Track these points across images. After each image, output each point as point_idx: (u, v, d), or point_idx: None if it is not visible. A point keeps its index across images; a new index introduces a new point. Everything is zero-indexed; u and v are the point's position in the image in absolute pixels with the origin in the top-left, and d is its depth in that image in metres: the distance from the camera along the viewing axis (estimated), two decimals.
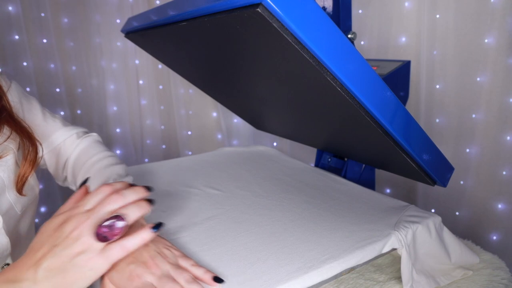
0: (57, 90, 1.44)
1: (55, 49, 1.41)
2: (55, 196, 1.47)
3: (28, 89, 1.36)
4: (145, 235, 0.37)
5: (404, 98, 0.86)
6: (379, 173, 0.86)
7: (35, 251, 0.37)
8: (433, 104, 1.29)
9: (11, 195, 0.51)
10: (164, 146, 1.74)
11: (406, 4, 1.31)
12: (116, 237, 0.36)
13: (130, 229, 0.39)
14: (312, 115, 0.64)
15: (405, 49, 1.34)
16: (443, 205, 1.33)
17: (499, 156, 1.15)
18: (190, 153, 1.77)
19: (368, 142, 0.59)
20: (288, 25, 0.37)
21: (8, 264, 0.51)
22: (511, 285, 0.54)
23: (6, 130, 0.52)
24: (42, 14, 1.36)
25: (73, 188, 0.64)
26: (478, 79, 1.17)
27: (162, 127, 1.73)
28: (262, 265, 0.45)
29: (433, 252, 0.54)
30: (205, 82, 0.89)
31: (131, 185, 0.41)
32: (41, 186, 1.43)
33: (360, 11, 1.43)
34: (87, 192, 0.43)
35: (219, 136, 1.80)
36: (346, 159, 0.83)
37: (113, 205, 0.38)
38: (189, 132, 1.78)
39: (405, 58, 1.32)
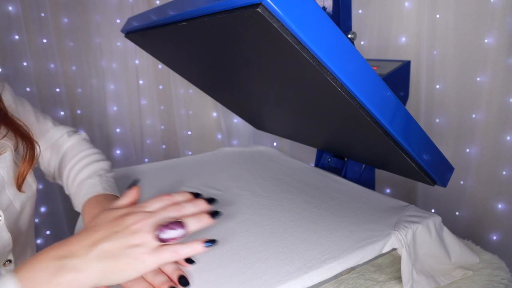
0: (57, 90, 1.44)
1: (55, 49, 1.41)
2: (54, 196, 1.47)
3: (28, 89, 1.36)
4: (198, 247, 0.39)
5: (404, 98, 0.86)
6: (379, 173, 0.86)
7: (92, 233, 0.38)
8: (433, 104, 1.29)
9: (10, 192, 0.52)
10: (164, 146, 1.74)
11: (406, 4, 1.31)
12: (173, 241, 0.38)
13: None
14: (312, 115, 0.64)
15: (405, 49, 1.34)
16: (443, 205, 1.33)
17: (499, 156, 1.15)
18: (190, 153, 1.77)
19: (368, 142, 0.59)
20: (288, 25, 0.37)
21: (10, 261, 0.52)
22: (511, 285, 0.54)
23: (3, 130, 0.53)
24: (42, 14, 1.36)
25: (60, 182, 0.67)
26: (478, 79, 1.17)
27: (162, 127, 1.73)
28: (262, 265, 0.45)
29: (433, 252, 0.54)
30: (205, 82, 0.89)
31: (194, 196, 0.44)
32: (40, 186, 1.43)
33: (360, 11, 1.43)
34: (138, 192, 0.46)
35: (219, 136, 1.80)
36: (346, 159, 0.83)
37: (174, 212, 0.40)
38: (189, 132, 1.78)
39: (405, 58, 1.32)
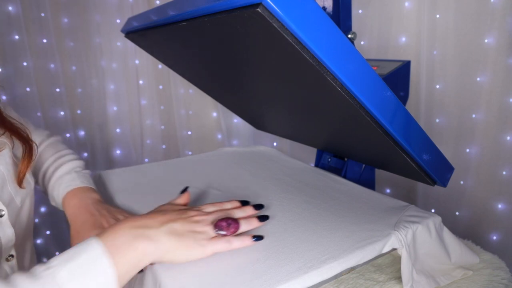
0: (57, 90, 1.44)
1: (55, 49, 1.41)
2: None
3: (28, 89, 1.36)
4: (247, 241, 0.47)
5: (404, 98, 0.86)
6: (379, 173, 0.86)
7: (162, 214, 0.45)
8: (433, 104, 1.29)
9: (11, 188, 0.54)
10: (164, 146, 1.74)
11: (406, 4, 1.31)
12: (227, 233, 0.46)
13: None
14: (312, 115, 0.64)
15: (405, 49, 1.34)
16: (443, 205, 1.33)
17: (499, 156, 1.15)
18: (190, 153, 1.77)
19: (368, 142, 0.59)
20: (288, 25, 0.37)
21: (12, 255, 0.55)
22: (511, 285, 0.54)
23: (0, 130, 0.55)
24: (42, 14, 1.36)
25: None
26: (478, 79, 1.17)
27: (162, 127, 1.73)
28: (262, 265, 0.44)
29: (433, 252, 0.54)
30: (205, 82, 0.89)
31: (242, 204, 0.53)
32: None
33: (360, 11, 1.43)
34: (189, 196, 0.55)
35: (219, 136, 1.80)
36: (346, 159, 0.83)
37: (227, 215, 0.49)
38: (189, 132, 1.78)
39: (405, 58, 1.32)
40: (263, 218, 0.51)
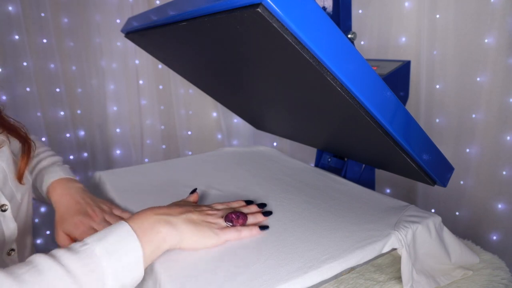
0: (57, 90, 1.44)
1: (55, 49, 1.41)
2: None
3: (28, 89, 1.36)
4: (254, 231, 0.51)
5: (404, 98, 0.86)
6: (379, 173, 0.86)
7: (179, 206, 0.51)
8: (433, 104, 1.29)
9: (12, 184, 0.56)
10: (164, 146, 1.74)
11: (406, 4, 1.31)
12: (237, 224, 0.51)
13: None
14: (312, 115, 0.64)
15: (405, 49, 1.34)
16: (443, 205, 1.33)
17: (499, 156, 1.15)
18: (190, 153, 1.77)
19: (368, 142, 0.59)
20: (288, 25, 0.37)
21: (13, 249, 0.57)
22: (511, 285, 0.54)
23: None
24: (42, 14, 1.36)
25: None
26: (478, 79, 1.17)
27: (162, 127, 1.73)
28: (262, 265, 0.45)
29: (433, 252, 0.54)
30: (205, 82, 0.89)
31: (247, 203, 0.58)
32: None
33: (360, 11, 1.43)
34: (198, 196, 0.61)
35: (219, 136, 1.80)
36: (346, 159, 0.83)
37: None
38: (189, 132, 1.78)
39: (405, 58, 1.32)
40: (267, 214, 0.57)
